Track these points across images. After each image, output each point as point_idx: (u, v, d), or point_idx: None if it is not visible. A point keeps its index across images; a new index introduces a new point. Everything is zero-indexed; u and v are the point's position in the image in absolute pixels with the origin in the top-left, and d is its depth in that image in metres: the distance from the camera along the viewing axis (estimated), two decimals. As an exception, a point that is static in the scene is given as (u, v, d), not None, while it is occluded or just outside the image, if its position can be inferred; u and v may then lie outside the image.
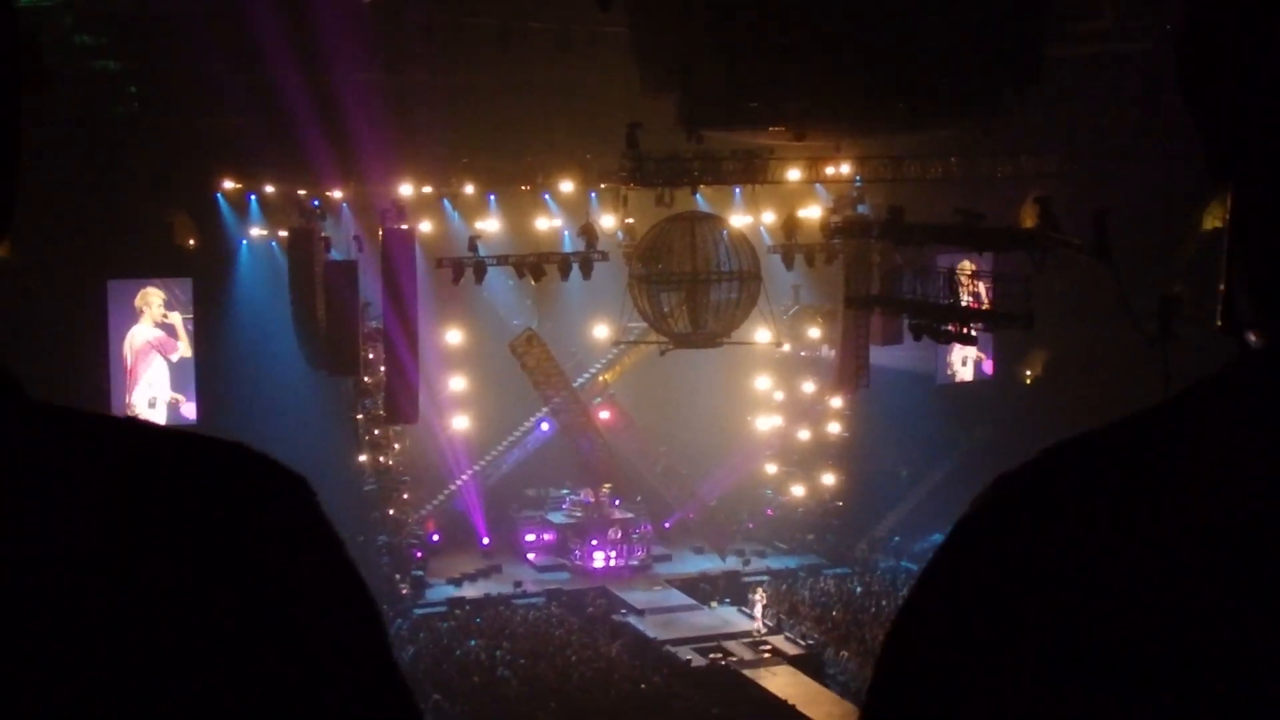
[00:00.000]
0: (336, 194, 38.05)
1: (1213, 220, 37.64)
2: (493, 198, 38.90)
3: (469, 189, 38.05)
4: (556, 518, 42.42)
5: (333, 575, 1.37)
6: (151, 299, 37.82)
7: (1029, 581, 1.15)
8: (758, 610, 35.51)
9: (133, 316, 37.65)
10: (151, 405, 37.91)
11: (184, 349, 38.16)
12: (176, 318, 38.01)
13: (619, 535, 41.07)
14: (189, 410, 38.28)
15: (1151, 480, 1.15)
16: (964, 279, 31.31)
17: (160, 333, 37.94)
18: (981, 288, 31.45)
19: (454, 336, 41.85)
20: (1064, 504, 1.17)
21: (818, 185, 38.09)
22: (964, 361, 43.17)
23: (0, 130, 1.42)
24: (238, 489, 1.34)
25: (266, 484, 1.36)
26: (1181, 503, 1.12)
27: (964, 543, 1.22)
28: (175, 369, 38.18)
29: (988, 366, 43.73)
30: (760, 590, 36.76)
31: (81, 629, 1.23)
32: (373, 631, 1.39)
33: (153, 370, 38.03)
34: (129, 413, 37.18)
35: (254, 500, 1.34)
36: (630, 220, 37.22)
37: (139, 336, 37.79)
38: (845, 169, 36.24)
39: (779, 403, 45.05)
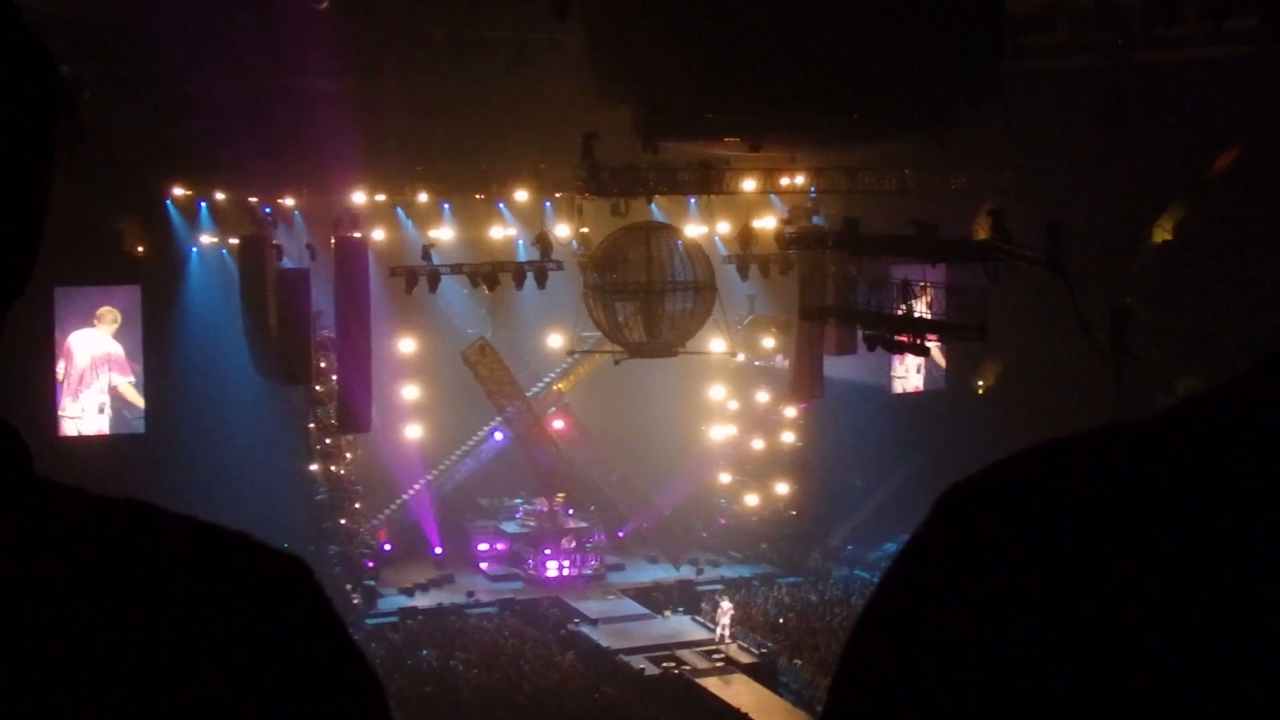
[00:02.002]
0: (289, 202, 37.92)
1: (1164, 234, 37.98)
2: (447, 206, 38.81)
3: (423, 197, 37.95)
4: (510, 527, 42.29)
5: (334, 655, 1.36)
6: (108, 318, 37.72)
7: (981, 588, 1.13)
8: (725, 620, 35.34)
9: (85, 322, 37.50)
10: (101, 411, 37.78)
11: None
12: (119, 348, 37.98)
13: (573, 545, 41.01)
14: (137, 421, 38.10)
15: (1108, 486, 1.14)
16: (917, 290, 31.44)
17: (120, 351, 37.81)
18: (935, 299, 31.63)
19: (407, 345, 41.75)
20: (1016, 510, 1.16)
21: (773, 196, 38.23)
22: (918, 369, 43.34)
23: (33, 189, 1.43)
24: (238, 575, 1.33)
25: (266, 569, 1.36)
26: (1139, 510, 1.11)
27: (920, 551, 1.21)
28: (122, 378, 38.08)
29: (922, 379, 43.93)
30: (725, 599, 36.67)
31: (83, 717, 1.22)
32: (375, 709, 1.38)
33: (102, 379, 37.82)
34: (69, 416, 37.22)
35: (254, 585, 1.33)
36: (585, 230, 37.20)
37: (96, 344, 37.62)
38: (800, 180, 36.34)
39: (733, 412, 45.12)
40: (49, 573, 1.26)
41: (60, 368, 37.45)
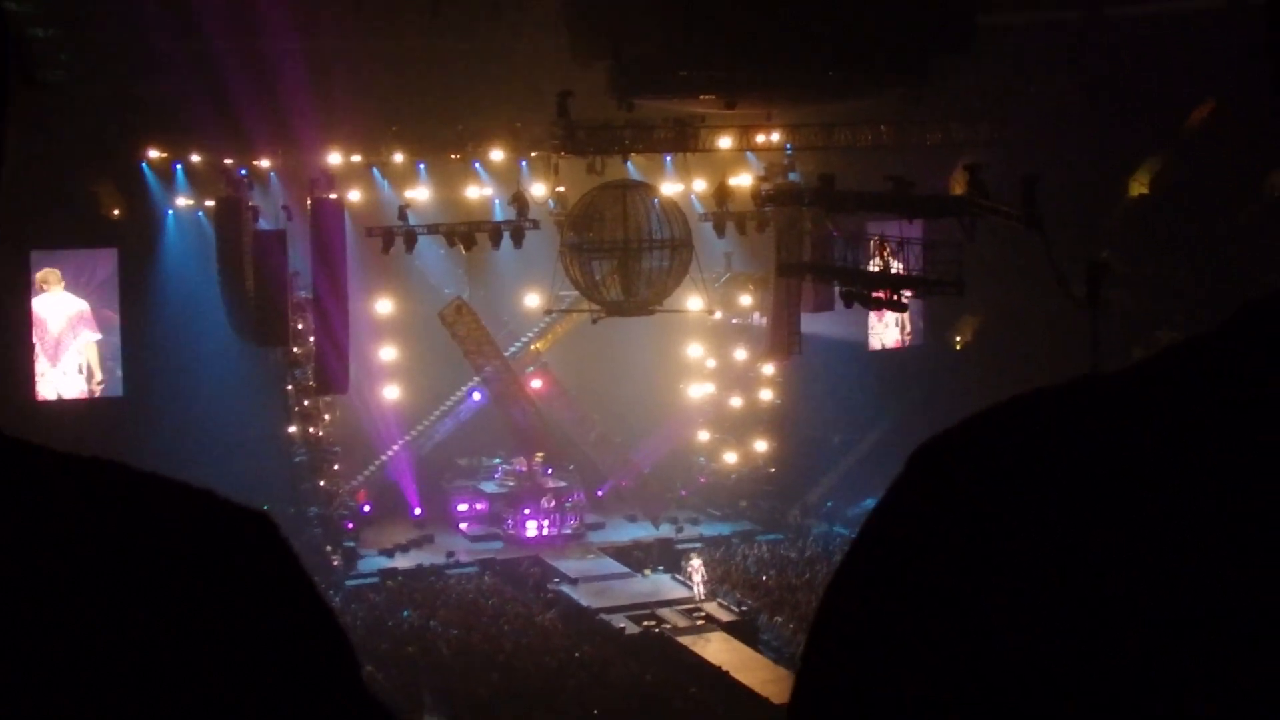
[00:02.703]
0: (264, 163, 37.72)
1: (1139, 187, 38.03)
2: (422, 166, 38.66)
3: (398, 157, 37.82)
4: (489, 487, 42.30)
5: (300, 609, 1.34)
6: (53, 279, 37.63)
7: (957, 541, 1.13)
8: (696, 578, 35.60)
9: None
10: (81, 371, 37.80)
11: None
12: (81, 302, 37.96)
13: (552, 504, 41.02)
14: (115, 383, 38.06)
15: (1081, 438, 1.14)
16: (894, 246, 31.49)
17: (88, 307, 37.77)
18: (912, 255, 31.66)
19: (384, 306, 41.61)
20: (991, 463, 1.16)
21: (749, 153, 38.13)
22: (897, 323, 43.45)
23: None
24: (202, 531, 1.31)
25: (230, 526, 1.34)
26: (1111, 463, 1.11)
27: (894, 507, 1.21)
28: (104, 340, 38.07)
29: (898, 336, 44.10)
30: (695, 556, 36.91)
31: (45, 677, 1.19)
32: (344, 666, 1.36)
33: (81, 339, 37.81)
34: (50, 381, 37.18)
35: (218, 541, 1.31)
36: (561, 189, 37.17)
37: (67, 305, 37.56)
38: (776, 137, 36.33)
39: (711, 370, 45.11)
40: (9, 530, 1.24)
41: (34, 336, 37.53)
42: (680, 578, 36.72)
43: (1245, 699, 1.01)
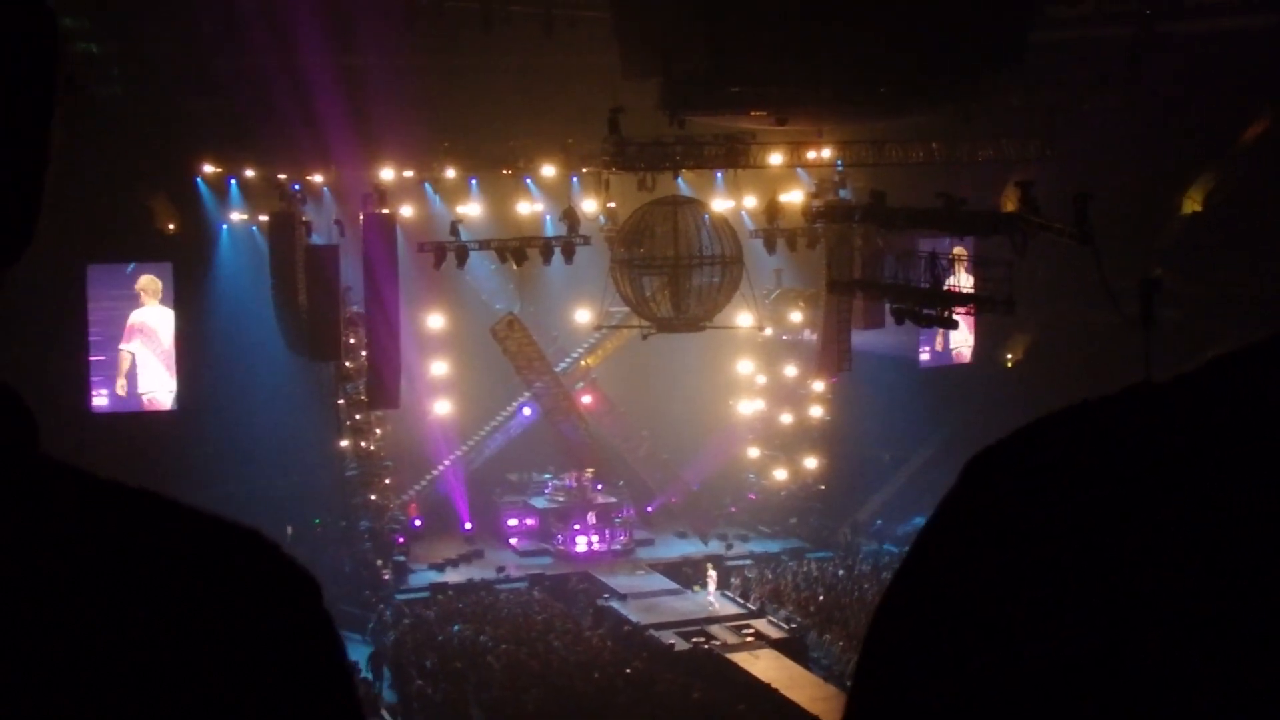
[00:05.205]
0: (317, 178, 38.01)
1: (1192, 204, 37.77)
2: (474, 182, 38.84)
3: (450, 173, 38.00)
4: (539, 502, 42.40)
5: (324, 679, 1.32)
6: (150, 285, 38.13)
7: (1010, 552, 1.14)
8: (711, 585, 35.82)
9: (131, 299, 37.93)
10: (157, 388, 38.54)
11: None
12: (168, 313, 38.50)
13: (601, 520, 41.08)
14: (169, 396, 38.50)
15: (1131, 448, 1.14)
16: (945, 263, 31.34)
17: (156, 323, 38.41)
18: (963, 271, 31.53)
19: (436, 321, 41.77)
20: (1043, 472, 1.16)
21: (799, 169, 38.09)
22: (965, 342, 43.38)
23: (35, 140, 1.39)
24: (246, 579, 1.30)
25: (275, 579, 1.32)
26: (1161, 472, 1.11)
27: (945, 518, 1.21)
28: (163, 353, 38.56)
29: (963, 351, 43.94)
30: (709, 565, 37.07)
31: (70, 711, 1.18)
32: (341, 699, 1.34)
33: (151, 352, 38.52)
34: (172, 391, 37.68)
35: (259, 593, 1.30)
36: (612, 204, 37.25)
37: (170, 318, 38.26)
38: (827, 153, 36.26)
39: (761, 386, 45.08)
40: (47, 562, 1.22)
41: (134, 344, 38.05)
42: (730, 594, 36.68)
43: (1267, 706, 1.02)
